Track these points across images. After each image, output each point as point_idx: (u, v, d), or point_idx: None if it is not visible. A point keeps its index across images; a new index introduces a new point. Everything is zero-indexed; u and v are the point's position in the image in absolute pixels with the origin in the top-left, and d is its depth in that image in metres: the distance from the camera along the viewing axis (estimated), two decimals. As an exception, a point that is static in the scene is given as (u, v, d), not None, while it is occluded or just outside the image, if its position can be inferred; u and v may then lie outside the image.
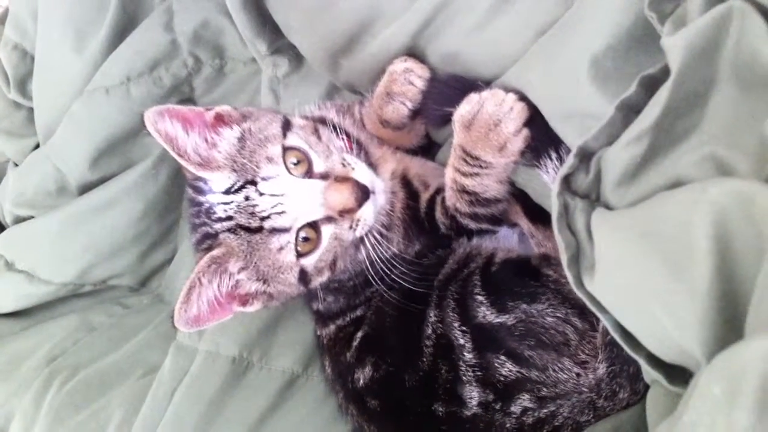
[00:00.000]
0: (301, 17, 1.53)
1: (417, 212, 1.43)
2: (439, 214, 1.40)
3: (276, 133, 1.30)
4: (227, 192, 1.25)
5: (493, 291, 1.24)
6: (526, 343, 1.18)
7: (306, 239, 1.27)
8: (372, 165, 1.37)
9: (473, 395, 1.20)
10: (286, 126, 1.32)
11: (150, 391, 1.58)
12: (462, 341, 1.23)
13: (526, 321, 1.19)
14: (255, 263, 1.26)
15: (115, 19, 1.80)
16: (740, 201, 0.67)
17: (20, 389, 1.78)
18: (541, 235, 1.31)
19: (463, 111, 1.21)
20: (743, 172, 0.74)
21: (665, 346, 0.82)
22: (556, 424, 1.16)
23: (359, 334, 1.41)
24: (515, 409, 1.18)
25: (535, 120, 1.15)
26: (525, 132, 1.17)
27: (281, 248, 1.26)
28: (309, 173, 1.28)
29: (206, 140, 1.27)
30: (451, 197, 1.33)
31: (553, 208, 0.96)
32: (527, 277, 1.24)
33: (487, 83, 1.23)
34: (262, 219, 1.23)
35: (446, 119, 1.27)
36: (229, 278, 1.26)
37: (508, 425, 1.18)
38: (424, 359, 1.27)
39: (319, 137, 1.33)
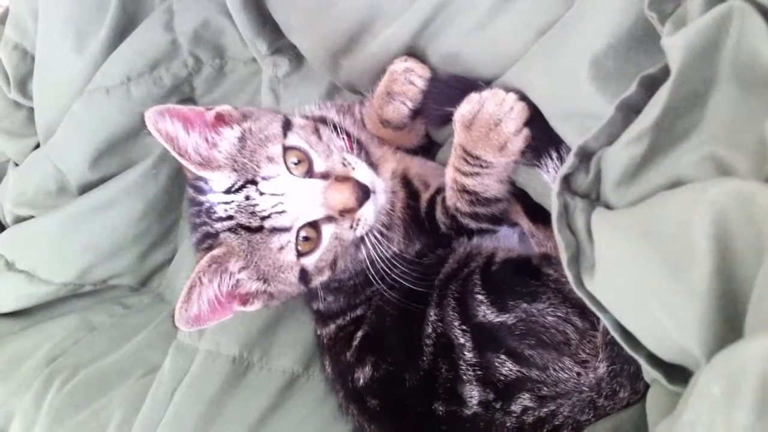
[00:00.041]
0: (302, 17, 1.53)
1: (417, 212, 1.43)
2: (439, 213, 1.40)
3: (276, 133, 1.30)
4: (228, 191, 1.25)
5: (493, 290, 1.24)
6: (527, 342, 1.18)
7: (306, 239, 1.27)
8: (372, 165, 1.37)
9: (473, 394, 1.20)
10: (287, 126, 1.32)
11: (150, 390, 1.58)
12: (462, 340, 1.23)
13: (526, 320, 1.19)
14: (255, 263, 1.26)
15: (115, 19, 1.80)
16: (740, 201, 0.67)
17: (20, 389, 1.78)
18: (541, 234, 1.31)
19: (463, 111, 1.21)
20: (743, 171, 0.74)
21: (665, 345, 0.82)
22: (557, 423, 1.16)
23: (359, 334, 1.41)
24: (515, 408, 1.18)
25: (535, 120, 1.15)
26: (525, 132, 1.17)
27: (282, 248, 1.26)
28: (309, 173, 1.28)
29: (207, 140, 1.27)
30: (451, 197, 1.33)
31: (553, 207, 0.96)
32: (528, 277, 1.24)
33: (488, 83, 1.23)
34: (263, 218, 1.23)
35: (447, 119, 1.27)
36: (230, 277, 1.26)
37: (508, 424, 1.18)
38: (425, 358, 1.27)
39: (319, 137, 1.33)
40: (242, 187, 1.24)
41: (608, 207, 0.93)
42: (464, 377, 1.21)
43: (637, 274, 0.81)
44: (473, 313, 1.23)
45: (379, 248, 1.32)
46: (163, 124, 1.21)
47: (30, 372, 1.81)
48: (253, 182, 1.24)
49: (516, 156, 1.19)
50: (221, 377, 1.53)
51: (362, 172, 1.29)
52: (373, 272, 1.33)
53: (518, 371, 1.17)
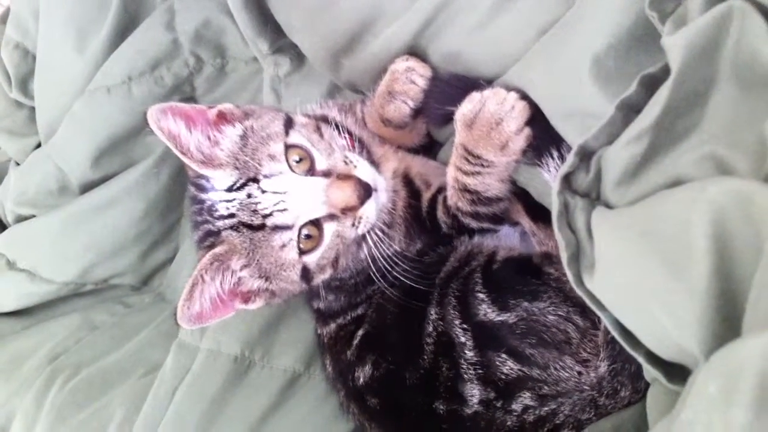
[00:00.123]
0: (303, 16, 1.53)
1: (419, 211, 1.43)
2: (440, 213, 1.41)
3: (278, 131, 1.30)
4: (230, 189, 1.25)
5: (494, 289, 1.24)
6: (528, 341, 1.18)
7: (308, 236, 1.27)
8: (374, 163, 1.37)
9: (474, 393, 1.20)
10: (289, 124, 1.32)
11: (151, 389, 1.58)
12: (463, 339, 1.23)
13: (527, 319, 1.19)
14: (257, 260, 1.26)
15: (116, 18, 1.80)
16: (739, 200, 0.67)
17: (22, 388, 1.78)
18: (542, 233, 1.31)
19: (464, 110, 1.21)
20: (742, 171, 0.74)
21: (664, 344, 0.82)
22: (557, 422, 1.16)
23: (360, 333, 1.41)
24: (516, 407, 1.18)
25: (536, 119, 1.15)
26: (527, 131, 1.17)
27: (284, 245, 1.26)
28: (311, 171, 1.28)
29: (209, 138, 1.27)
30: (452, 196, 1.33)
31: (554, 206, 0.97)
32: (529, 275, 1.24)
33: (489, 82, 1.23)
34: (265, 216, 1.24)
35: (448, 118, 1.27)
36: (232, 275, 1.26)
37: (509, 423, 1.18)
38: (425, 357, 1.27)
39: (321, 135, 1.33)
40: (244, 185, 1.24)
41: (608, 206, 0.93)
42: (465, 376, 1.21)
43: (637, 273, 0.81)
44: (474, 311, 1.23)
45: (380, 247, 1.32)
46: (166, 122, 1.21)
47: (31, 371, 1.81)
48: (255, 180, 1.24)
49: (517, 155, 1.19)
50: (223, 376, 1.53)
51: (364, 171, 1.29)
52: (374, 270, 1.33)
53: (519, 370, 1.18)
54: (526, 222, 1.34)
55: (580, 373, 1.16)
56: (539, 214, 1.30)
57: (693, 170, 0.80)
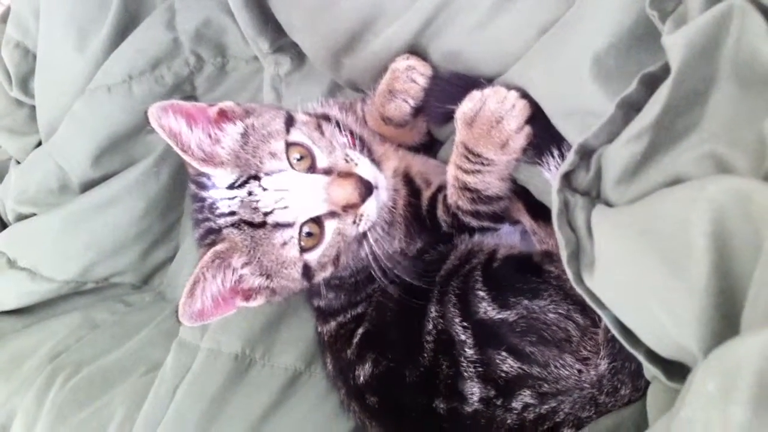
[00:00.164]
0: (303, 16, 1.53)
1: (419, 210, 1.43)
2: (440, 212, 1.40)
3: (279, 129, 1.30)
4: (231, 187, 1.25)
5: (494, 287, 1.24)
6: (528, 339, 1.18)
7: (309, 234, 1.27)
8: (374, 162, 1.37)
9: (474, 391, 1.20)
10: (289, 122, 1.32)
11: (152, 388, 1.58)
12: (463, 337, 1.23)
13: (527, 317, 1.19)
14: (258, 258, 1.26)
15: (117, 17, 1.80)
16: (738, 199, 0.68)
17: (23, 387, 1.78)
18: (542, 232, 1.31)
19: (465, 108, 1.21)
20: (742, 169, 0.74)
21: (663, 342, 0.82)
22: (557, 420, 1.16)
23: (360, 331, 1.41)
24: (516, 404, 1.18)
25: (537, 117, 1.15)
26: (527, 129, 1.17)
27: (285, 243, 1.26)
28: (312, 168, 1.28)
29: (210, 136, 1.27)
30: (452, 195, 1.33)
31: (554, 204, 0.97)
32: (529, 274, 1.24)
33: (489, 81, 1.23)
34: (266, 214, 1.24)
35: (448, 117, 1.27)
36: (233, 273, 1.26)
37: (509, 421, 1.18)
38: (425, 355, 1.27)
39: (322, 133, 1.33)
40: (245, 182, 1.24)
41: (608, 204, 0.94)
42: (465, 374, 1.21)
43: (637, 272, 0.81)
44: (474, 309, 1.23)
45: (381, 245, 1.32)
46: (167, 120, 1.21)
47: (32, 370, 1.81)
48: (256, 178, 1.24)
49: (517, 153, 1.19)
50: (223, 375, 1.53)
51: (365, 168, 1.29)
52: (375, 268, 1.33)
53: (519, 368, 1.17)
54: (526, 220, 1.34)
55: (580, 371, 1.16)
56: (539, 212, 1.30)
57: (693, 169, 0.80)
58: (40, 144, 2.04)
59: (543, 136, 1.15)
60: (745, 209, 0.67)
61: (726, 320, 0.68)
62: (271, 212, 1.24)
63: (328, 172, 1.28)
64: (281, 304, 1.51)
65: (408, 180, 1.44)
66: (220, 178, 1.26)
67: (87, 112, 1.83)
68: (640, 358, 0.88)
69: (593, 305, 0.92)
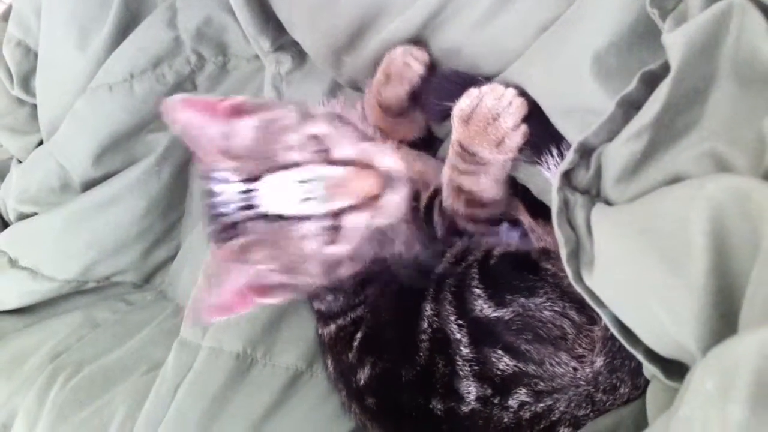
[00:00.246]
0: (304, 13, 1.53)
1: (417, 212, 1.42)
2: (436, 216, 1.38)
3: (295, 122, 1.26)
4: (246, 181, 1.21)
5: (491, 284, 1.23)
6: (524, 337, 1.17)
7: (328, 228, 1.22)
8: None
9: (471, 390, 1.19)
10: (305, 115, 1.30)
11: (153, 387, 1.58)
12: (458, 335, 1.22)
13: (523, 315, 1.18)
14: (276, 253, 1.23)
15: (118, 16, 1.81)
16: (736, 197, 0.67)
17: (24, 387, 1.78)
18: (541, 229, 1.30)
19: (462, 105, 1.20)
20: (741, 168, 0.74)
21: (662, 341, 0.82)
22: (553, 418, 1.15)
23: (359, 335, 1.40)
24: (513, 403, 1.17)
25: (535, 116, 1.15)
26: (523, 128, 1.16)
27: (303, 237, 1.21)
28: (330, 161, 1.23)
29: (224, 130, 1.24)
30: (448, 197, 1.32)
31: (554, 203, 0.97)
32: (526, 271, 1.23)
33: (488, 79, 1.23)
34: (283, 208, 1.19)
35: (447, 114, 1.27)
36: (250, 269, 1.23)
37: (505, 420, 1.17)
38: (421, 354, 1.26)
39: (336, 126, 1.31)
40: (261, 176, 1.20)
41: (608, 203, 0.94)
42: (461, 373, 1.20)
43: (636, 270, 0.81)
44: (470, 307, 1.22)
45: (385, 245, 1.31)
46: (181, 114, 1.20)
47: (33, 369, 1.81)
48: (272, 171, 1.20)
49: (513, 153, 1.18)
50: (224, 374, 1.53)
51: (384, 160, 1.25)
52: (374, 268, 1.32)
53: (515, 366, 1.17)
54: (525, 218, 1.34)
55: (575, 368, 1.15)
56: (539, 211, 1.29)
57: (692, 167, 0.80)
58: (41, 143, 2.04)
59: (542, 134, 1.15)
60: (743, 208, 0.67)
61: (724, 319, 0.68)
62: (288, 205, 1.19)
63: (346, 163, 1.23)
64: (282, 303, 1.50)
65: (410, 180, 1.43)
66: (236, 172, 1.23)
67: (88, 111, 1.83)
68: (639, 356, 0.88)
69: (592, 304, 0.92)
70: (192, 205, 1.99)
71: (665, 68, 0.86)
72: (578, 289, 0.93)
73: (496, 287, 1.22)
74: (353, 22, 1.40)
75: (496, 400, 1.18)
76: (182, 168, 1.92)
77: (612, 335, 1.08)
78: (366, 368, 1.35)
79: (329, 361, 1.49)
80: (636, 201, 0.87)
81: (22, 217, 2.05)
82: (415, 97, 1.39)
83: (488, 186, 1.25)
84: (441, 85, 1.32)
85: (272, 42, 1.71)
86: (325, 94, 1.69)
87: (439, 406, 1.23)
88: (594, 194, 0.96)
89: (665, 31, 0.88)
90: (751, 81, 0.78)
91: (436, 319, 1.26)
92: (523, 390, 1.17)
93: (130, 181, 1.89)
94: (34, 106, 2.02)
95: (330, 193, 1.20)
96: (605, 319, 0.91)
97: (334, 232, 1.22)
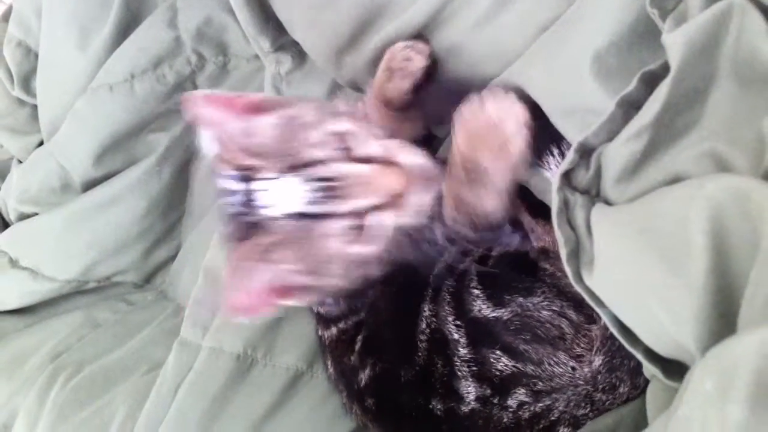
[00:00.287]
0: (304, 13, 1.53)
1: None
2: (436, 221, 1.37)
3: (317, 119, 1.23)
4: (267, 179, 1.18)
5: (489, 284, 1.23)
6: (522, 337, 1.17)
7: (353, 227, 1.19)
8: None
9: (470, 390, 1.19)
10: (327, 112, 1.29)
11: (154, 387, 1.58)
12: (456, 336, 1.21)
13: (521, 315, 1.18)
14: (298, 252, 1.19)
15: (119, 16, 1.81)
16: (736, 197, 0.68)
17: (24, 387, 1.78)
18: (540, 229, 1.29)
19: (463, 111, 1.19)
20: (741, 168, 0.74)
21: (662, 340, 0.82)
22: (552, 418, 1.15)
23: (360, 338, 1.40)
24: (512, 403, 1.17)
25: (535, 118, 1.14)
26: (524, 132, 1.15)
27: (326, 236, 1.18)
28: (353, 158, 1.20)
29: (245, 127, 1.21)
30: (448, 206, 1.29)
31: (554, 203, 0.97)
32: (524, 271, 1.23)
33: (490, 79, 1.23)
34: (305, 206, 1.16)
35: (446, 119, 1.26)
36: (271, 269, 1.19)
37: (505, 420, 1.17)
38: (419, 354, 1.26)
39: (356, 124, 1.28)
40: (283, 174, 1.17)
41: (608, 203, 0.94)
42: (459, 373, 1.20)
43: (636, 270, 0.81)
44: (469, 308, 1.22)
45: (393, 249, 1.29)
46: (202, 110, 1.18)
47: (34, 369, 1.82)
48: (294, 169, 1.17)
49: (515, 159, 1.16)
50: (225, 374, 1.53)
51: (408, 157, 1.22)
52: (375, 270, 1.32)
53: (513, 366, 1.16)
54: (525, 218, 1.33)
55: (573, 368, 1.15)
56: (539, 210, 1.28)
57: (692, 167, 0.80)
58: (41, 143, 2.04)
59: (542, 135, 1.15)
60: (743, 207, 0.67)
61: (723, 319, 0.69)
62: (311, 204, 1.16)
63: (369, 161, 1.20)
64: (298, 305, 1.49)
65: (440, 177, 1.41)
66: (257, 170, 1.19)
67: (89, 111, 1.83)
68: (639, 356, 0.88)
69: (592, 304, 0.92)
70: (193, 205, 1.99)
71: (665, 68, 0.86)
72: (578, 289, 0.93)
73: (495, 287, 1.22)
74: (354, 21, 1.40)
75: (495, 400, 1.18)
76: (183, 168, 1.92)
77: (611, 334, 1.09)
78: (367, 369, 1.35)
79: (329, 363, 1.48)
80: (636, 201, 0.87)
81: (23, 217, 2.05)
82: (417, 91, 1.39)
83: (487, 198, 1.22)
84: (441, 91, 1.31)
85: (272, 42, 1.71)
86: (326, 94, 1.69)
87: (438, 407, 1.23)
88: (594, 194, 0.96)
89: (665, 31, 0.88)
90: (751, 81, 0.78)
91: (434, 319, 1.25)
92: (522, 390, 1.17)
93: (131, 181, 1.89)
94: (35, 107, 2.03)
95: (353, 191, 1.16)
96: (605, 319, 0.91)
97: (358, 231, 1.19)
